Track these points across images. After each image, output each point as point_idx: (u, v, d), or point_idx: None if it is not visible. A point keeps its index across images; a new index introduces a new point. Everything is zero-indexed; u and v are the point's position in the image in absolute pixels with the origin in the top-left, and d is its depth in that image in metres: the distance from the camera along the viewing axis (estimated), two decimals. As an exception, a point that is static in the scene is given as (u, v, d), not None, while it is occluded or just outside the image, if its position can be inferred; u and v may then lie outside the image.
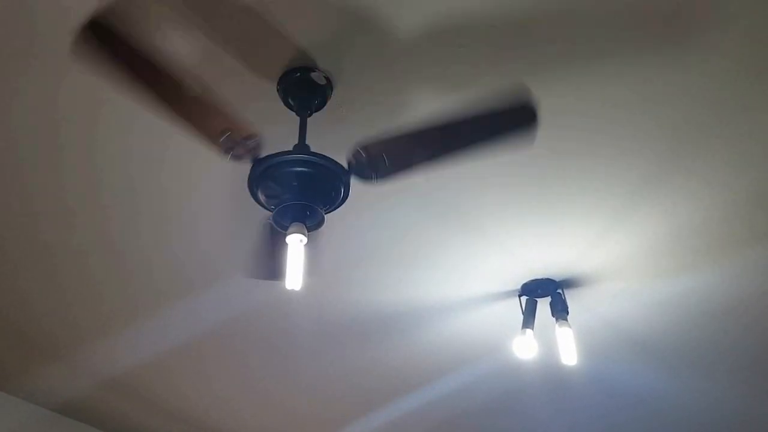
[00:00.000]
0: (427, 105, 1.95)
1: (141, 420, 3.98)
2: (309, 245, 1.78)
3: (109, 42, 1.46)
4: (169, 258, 2.62)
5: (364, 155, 1.74)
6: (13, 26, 1.76)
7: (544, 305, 2.77)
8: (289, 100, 1.88)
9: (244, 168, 1.78)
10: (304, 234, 1.73)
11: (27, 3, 1.70)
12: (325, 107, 1.92)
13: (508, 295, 2.82)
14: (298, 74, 1.84)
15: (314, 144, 1.81)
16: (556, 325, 2.68)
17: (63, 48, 1.80)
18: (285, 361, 3.37)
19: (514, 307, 2.85)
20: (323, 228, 1.84)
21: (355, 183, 1.81)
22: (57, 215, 2.44)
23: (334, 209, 1.85)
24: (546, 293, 2.76)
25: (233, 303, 2.92)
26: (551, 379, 3.45)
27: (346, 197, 1.84)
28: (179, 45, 1.78)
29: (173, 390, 3.67)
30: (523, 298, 2.80)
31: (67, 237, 2.54)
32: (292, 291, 2.64)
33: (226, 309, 2.96)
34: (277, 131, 1.93)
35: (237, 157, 1.74)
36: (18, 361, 3.37)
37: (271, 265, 2.13)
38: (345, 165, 1.78)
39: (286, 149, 1.76)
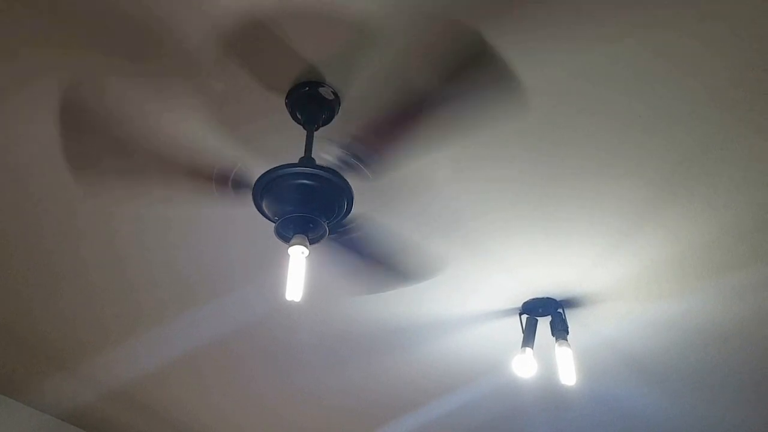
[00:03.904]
0: (436, 120, 1.98)
1: (143, 430, 3.99)
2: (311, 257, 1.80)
3: None
4: (171, 271, 2.65)
5: (345, 153, 1.82)
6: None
7: (544, 324, 2.78)
8: (297, 114, 1.91)
9: (244, 183, 1.82)
10: (306, 246, 1.76)
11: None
12: (333, 122, 1.95)
13: (508, 313, 2.82)
14: (307, 89, 1.87)
15: (321, 158, 1.84)
16: (556, 345, 2.68)
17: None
18: (285, 374, 3.38)
19: (515, 326, 2.86)
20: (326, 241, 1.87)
21: (359, 197, 1.84)
22: (61, 228, 2.48)
23: (338, 222, 1.88)
24: (547, 312, 2.76)
25: (235, 315, 2.94)
26: (550, 398, 3.44)
27: (350, 211, 1.86)
28: (188, 58, 1.82)
29: (175, 401, 3.68)
30: (524, 317, 2.80)
31: (72, 250, 2.58)
32: (293, 304, 2.68)
33: (228, 321, 2.98)
34: (284, 144, 1.96)
35: (236, 186, 1.85)
36: (24, 370, 3.41)
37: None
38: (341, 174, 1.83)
39: (291, 162, 1.80)
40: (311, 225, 1.78)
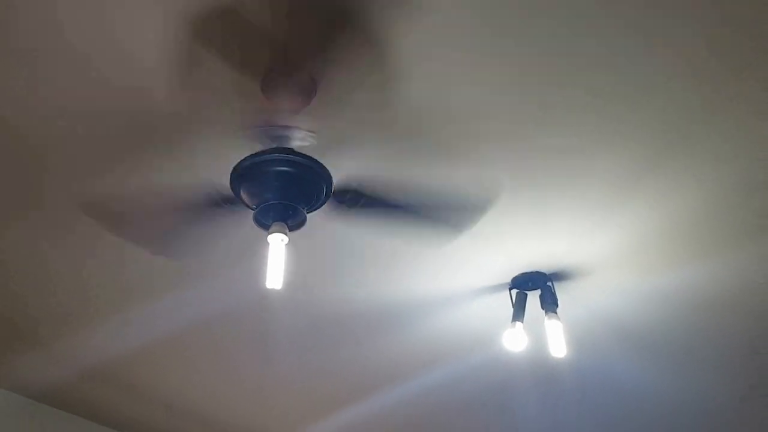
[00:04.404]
0: (412, 108, 1.97)
1: (123, 408, 3.92)
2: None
3: None
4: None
5: (358, 192, 1.92)
6: None
7: (534, 298, 2.78)
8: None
9: (228, 168, 1.80)
10: (285, 233, 1.75)
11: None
12: (310, 106, 1.92)
13: (498, 288, 2.83)
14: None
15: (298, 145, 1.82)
16: (546, 318, 2.69)
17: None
18: (271, 354, 3.39)
19: (505, 301, 2.87)
20: (308, 225, 1.87)
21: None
22: (44, 204, 2.43)
23: (317, 209, 1.87)
24: (536, 286, 2.77)
25: (220, 296, 2.92)
26: (541, 372, 3.47)
27: (329, 197, 1.86)
28: (162, 45, 1.79)
29: (158, 380, 3.63)
30: (513, 291, 2.81)
31: (54, 224, 2.51)
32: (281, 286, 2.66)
33: (212, 302, 2.96)
34: (260, 131, 1.92)
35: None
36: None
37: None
38: (330, 173, 1.83)
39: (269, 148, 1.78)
40: (290, 212, 1.78)
